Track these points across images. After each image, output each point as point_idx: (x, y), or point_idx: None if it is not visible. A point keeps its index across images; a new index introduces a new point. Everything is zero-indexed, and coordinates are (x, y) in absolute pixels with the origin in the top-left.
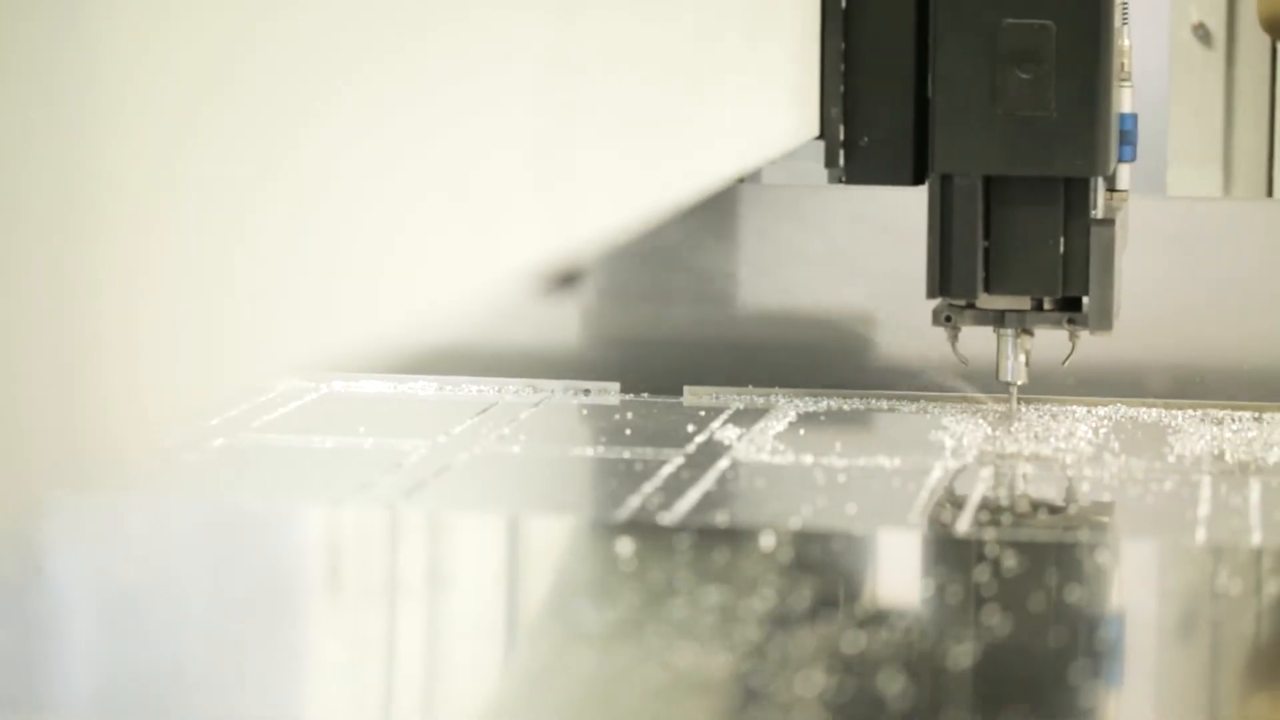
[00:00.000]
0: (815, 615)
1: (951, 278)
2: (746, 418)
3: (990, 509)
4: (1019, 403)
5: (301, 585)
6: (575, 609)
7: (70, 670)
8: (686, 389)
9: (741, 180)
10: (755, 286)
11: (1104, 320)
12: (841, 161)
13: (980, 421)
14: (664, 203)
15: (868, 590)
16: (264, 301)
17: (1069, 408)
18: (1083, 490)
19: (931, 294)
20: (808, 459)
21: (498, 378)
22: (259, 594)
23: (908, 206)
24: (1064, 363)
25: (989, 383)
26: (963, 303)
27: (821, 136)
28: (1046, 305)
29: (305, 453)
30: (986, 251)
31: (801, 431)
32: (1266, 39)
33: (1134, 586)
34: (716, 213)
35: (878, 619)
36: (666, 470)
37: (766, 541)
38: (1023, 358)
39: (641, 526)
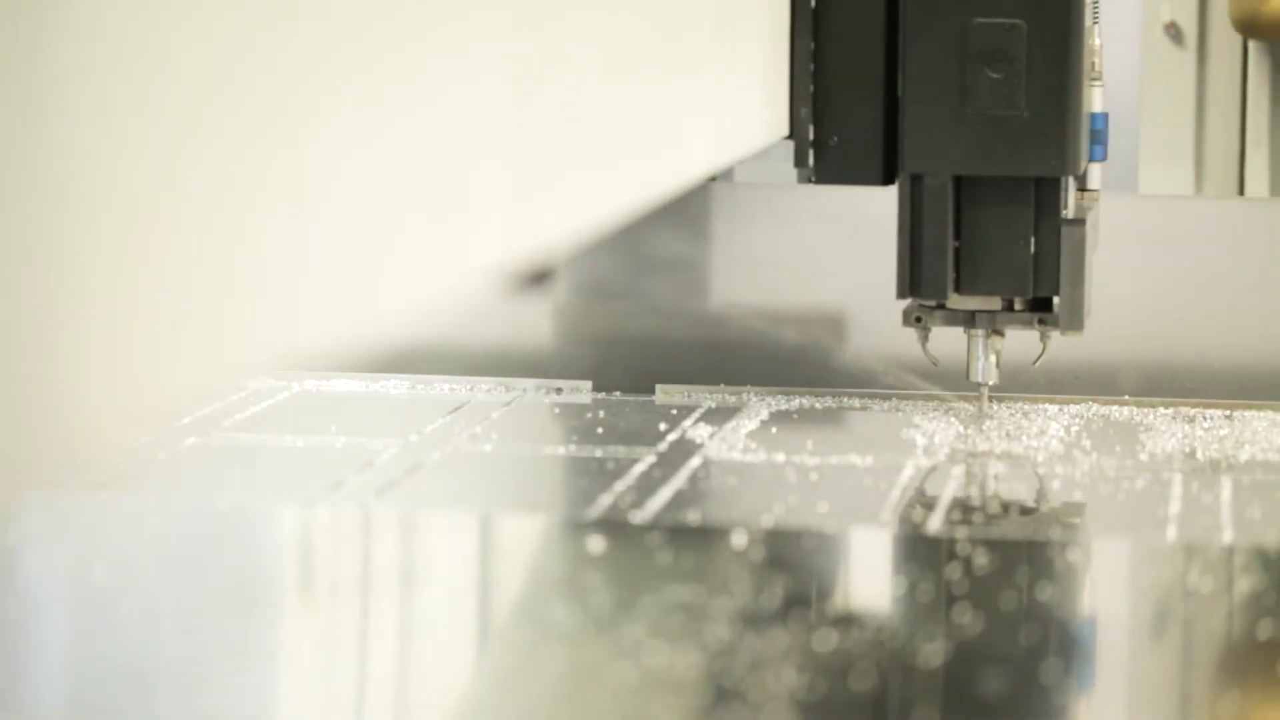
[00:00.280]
0: (787, 614)
1: (921, 278)
2: (718, 416)
3: (962, 507)
4: (990, 402)
5: (273, 584)
6: (547, 607)
7: (42, 670)
8: (659, 387)
9: (714, 179)
10: (727, 285)
11: (1075, 321)
12: (811, 161)
13: (952, 420)
14: (635, 201)
15: (839, 589)
16: (236, 301)
17: (1041, 406)
18: (1054, 488)
19: (901, 294)
20: (780, 457)
21: (470, 376)
22: (231, 593)
23: (880, 205)
24: (1035, 363)
25: (961, 382)
26: (933, 303)
27: (791, 136)
28: (1017, 306)
29: (277, 452)
30: (957, 252)
31: (773, 430)
32: (1238, 37)
33: (1105, 585)
34: (689, 211)
35: (849, 617)
36: (638, 469)
37: (738, 540)
38: (993, 358)
39: (613, 525)
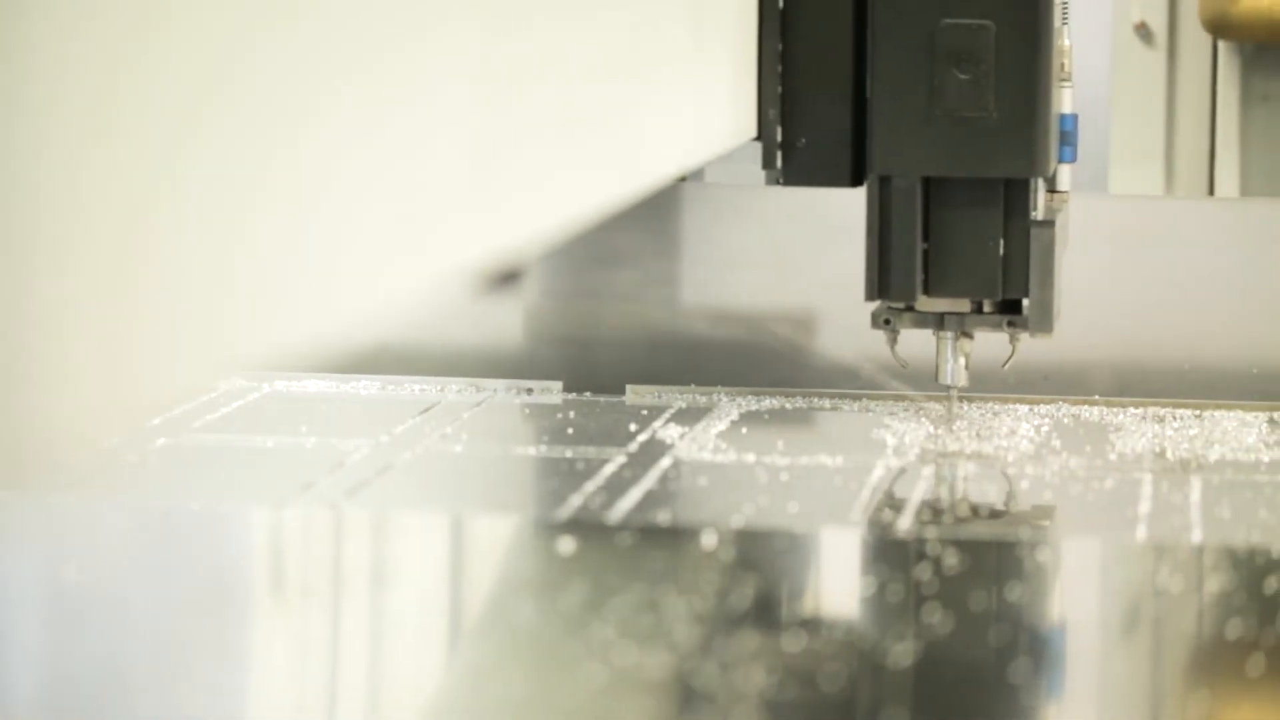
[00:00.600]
0: (757, 614)
1: (890, 280)
2: (689, 416)
3: (931, 508)
4: (960, 402)
5: (244, 585)
6: (517, 608)
7: (10, 672)
8: (629, 388)
9: (684, 179)
10: (698, 285)
11: (1044, 323)
12: (779, 163)
13: (923, 420)
14: (604, 202)
15: (809, 589)
16: (205, 301)
17: (1011, 406)
18: (1024, 488)
19: (870, 296)
20: (750, 457)
21: (440, 377)
22: (201, 594)
23: (851, 205)
24: (1004, 366)
25: (932, 382)
26: (902, 305)
27: (759, 138)
28: (986, 308)
29: (247, 452)
30: (925, 253)
31: (744, 430)
32: (1208, 37)
33: (1075, 584)
34: (659, 212)
35: (819, 618)
36: (609, 469)
37: (708, 540)
38: (962, 360)
39: (583, 525)
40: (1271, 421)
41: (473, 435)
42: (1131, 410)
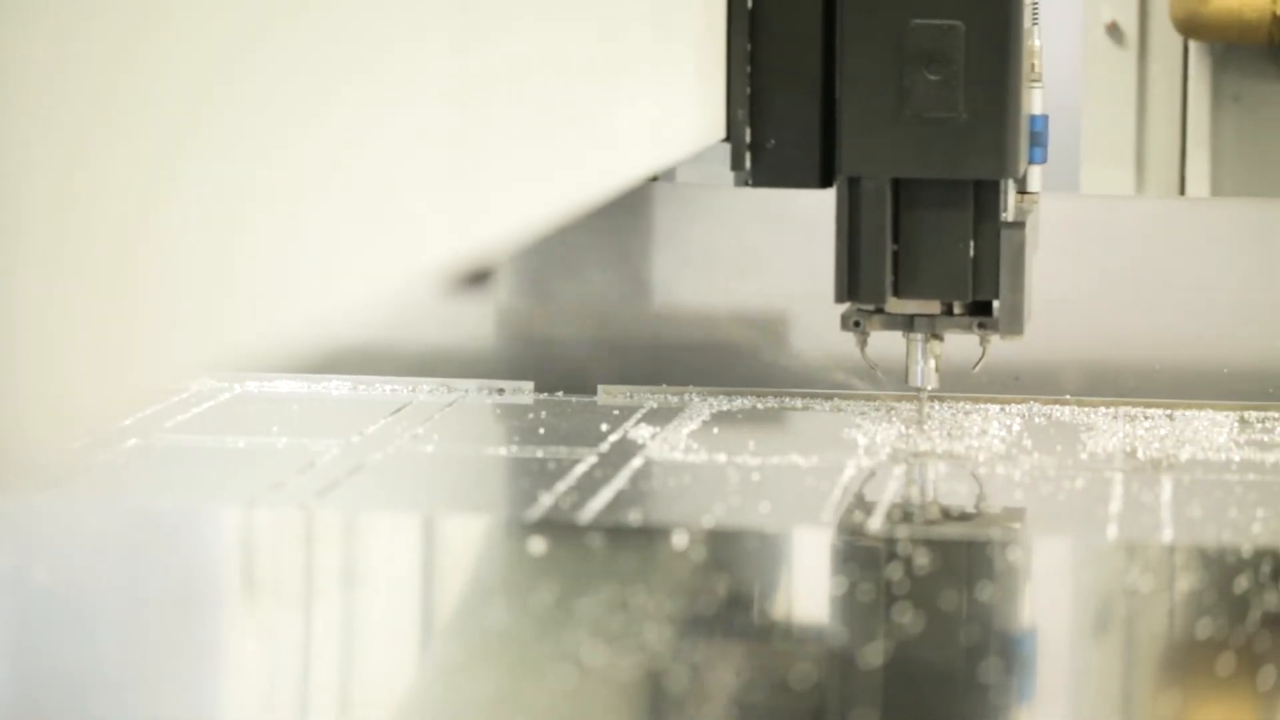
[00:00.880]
0: (727, 614)
1: (860, 282)
2: (660, 416)
3: (903, 507)
4: (931, 401)
5: (214, 585)
6: (488, 608)
7: None
8: (600, 388)
9: (655, 179)
10: (669, 285)
11: (1014, 324)
12: (748, 164)
13: (894, 419)
14: (573, 203)
15: (780, 589)
16: (176, 301)
17: (982, 406)
18: (995, 488)
19: (840, 298)
20: (721, 457)
21: (411, 377)
22: (171, 594)
23: (822, 206)
24: (975, 368)
25: (903, 383)
26: (871, 307)
27: (728, 138)
28: (956, 309)
29: (218, 453)
30: (895, 255)
31: (715, 430)
32: (1179, 38)
33: (1046, 584)
34: (630, 211)
35: (790, 617)
36: (580, 469)
37: (679, 540)
38: (932, 363)
39: (555, 525)
40: (1242, 421)
41: (444, 436)
42: (1102, 410)
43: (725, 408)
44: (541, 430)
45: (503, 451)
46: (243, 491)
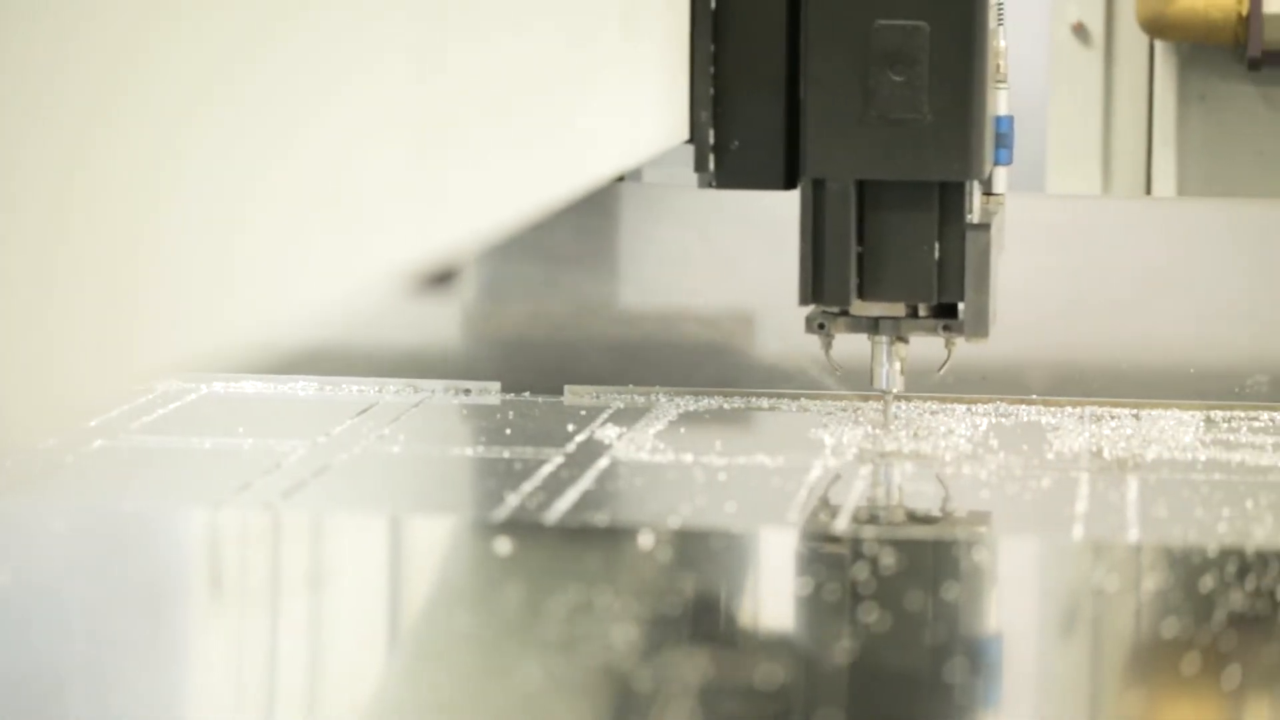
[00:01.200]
0: (694, 614)
1: (824, 284)
2: (627, 417)
3: (869, 507)
4: (897, 401)
5: (180, 586)
6: (454, 608)
7: None
8: (567, 388)
9: (621, 179)
10: (636, 286)
11: (979, 327)
12: (711, 166)
13: (861, 420)
14: (538, 204)
15: (746, 588)
16: (141, 302)
17: (949, 406)
18: (961, 488)
19: (804, 301)
20: (688, 458)
21: (378, 378)
22: (138, 595)
23: (791, 206)
24: (940, 371)
25: (869, 384)
26: (836, 309)
27: (692, 140)
28: (922, 312)
29: (184, 454)
30: (860, 257)
31: (682, 430)
32: (1145, 38)
33: (1012, 583)
34: (597, 212)
35: (756, 617)
36: (546, 469)
37: (645, 540)
38: (898, 365)
39: (520, 526)
40: (1208, 420)
41: (410, 436)
42: (1069, 409)
43: (692, 408)
44: (508, 431)
45: (469, 452)
46: (209, 492)
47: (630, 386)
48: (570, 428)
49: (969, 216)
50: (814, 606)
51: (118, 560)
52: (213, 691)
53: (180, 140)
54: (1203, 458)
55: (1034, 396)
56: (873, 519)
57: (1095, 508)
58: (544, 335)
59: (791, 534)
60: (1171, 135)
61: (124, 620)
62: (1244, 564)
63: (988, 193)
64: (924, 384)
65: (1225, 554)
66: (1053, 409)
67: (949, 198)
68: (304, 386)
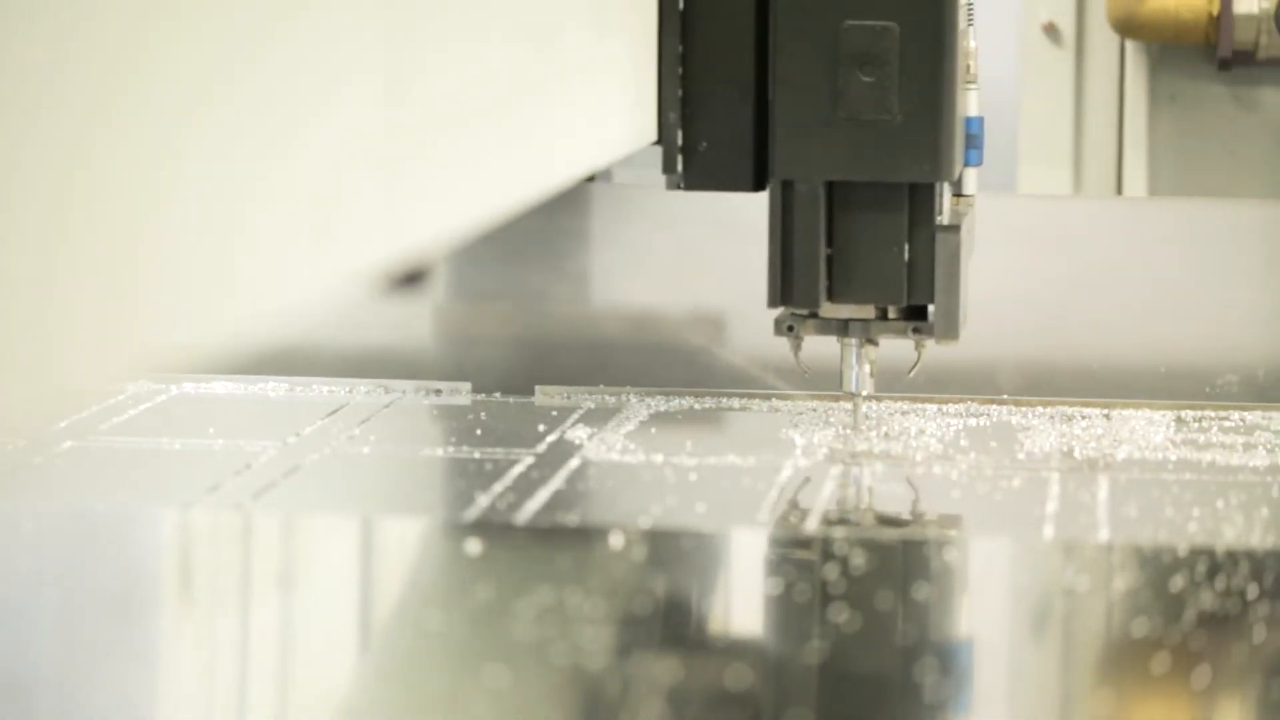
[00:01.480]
0: (664, 614)
1: (793, 286)
2: (598, 417)
3: (839, 508)
4: (868, 401)
5: (150, 587)
6: (424, 608)
7: None
8: (538, 389)
9: (592, 179)
10: (607, 286)
11: (949, 329)
12: (679, 167)
13: (831, 420)
14: (507, 204)
15: (717, 588)
16: (111, 302)
17: (920, 406)
18: (932, 488)
19: (773, 303)
20: (658, 458)
21: (348, 378)
22: (107, 596)
23: (762, 206)
24: (910, 373)
25: (839, 387)
26: (805, 312)
27: (660, 141)
28: (891, 314)
29: (154, 455)
30: (829, 259)
31: (653, 430)
32: (1116, 38)
33: (983, 583)
34: (568, 212)
35: (727, 617)
36: (517, 470)
37: (616, 540)
38: (867, 367)
39: (491, 526)
40: (1179, 420)
41: (381, 436)
42: (1039, 409)
43: (663, 408)
44: (479, 431)
45: (440, 452)
46: (179, 493)
47: (601, 387)
48: (541, 428)
49: (939, 218)
50: (785, 607)
51: (87, 561)
52: (183, 692)
53: (152, 143)
54: (1173, 457)
55: (1005, 396)
56: (843, 519)
57: (1066, 507)
58: (515, 336)
59: (762, 534)
60: (1142, 135)
61: (94, 621)
62: (1214, 564)
63: (958, 194)
64: (894, 384)
65: (1195, 554)
66: (1024, 409)
67: (919, 199)
68: (274, 387)
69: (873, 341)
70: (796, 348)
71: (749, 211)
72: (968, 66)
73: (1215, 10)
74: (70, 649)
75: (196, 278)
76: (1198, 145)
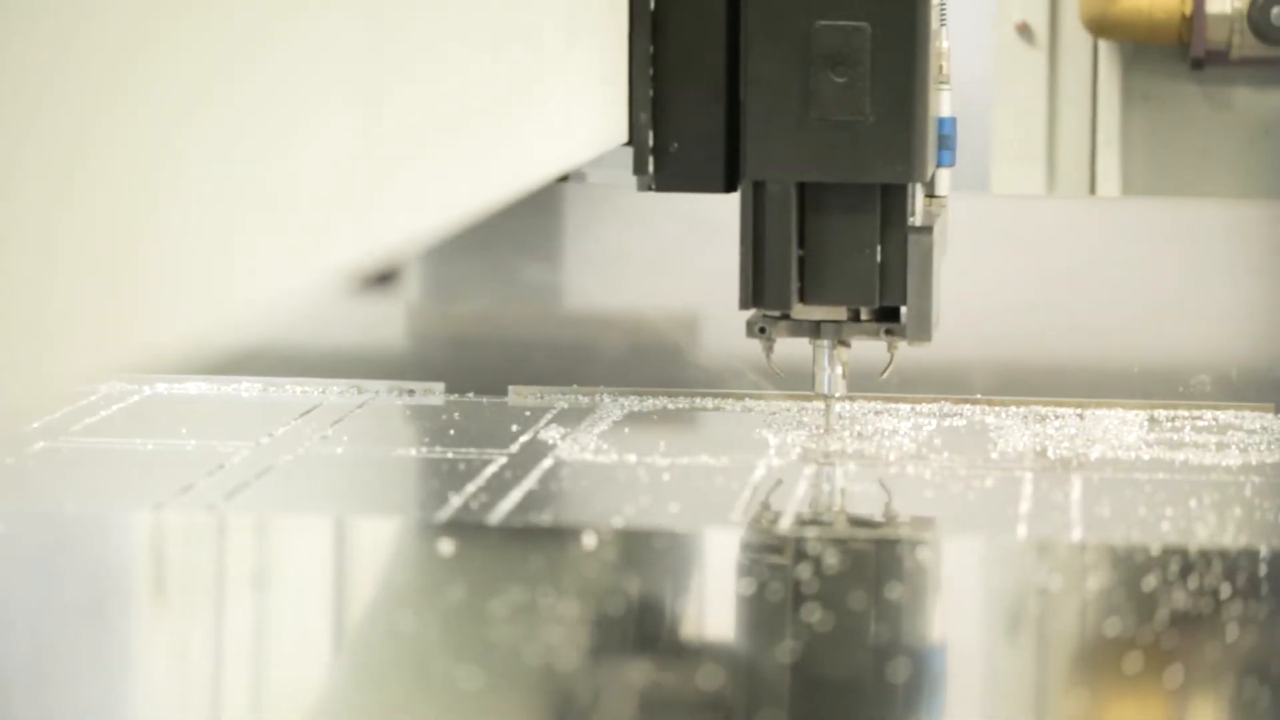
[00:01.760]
0: (638, 614)
1: (765, 288)
2: (571, 417)
3: (813, 508)
4: (841, 401)
5: (123, 588)
6: (398, 609)
7: None
8: (511, 389)
9: (565, 179)
10: (581, 286)
11: (922, 330)
12: (651, 168)
13: (805, 420)
14: (479, 204)
15: (690, 589)
16: (83, 302)
17: (893, 405)
18: (905, 488)
19: (745, 305)
20: (632, 458)
21: (321, 378)
22: (80, 598)
23: (735, 206)
24: (882, 375)
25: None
26: (777, 313)
27: (631, 142)
28: (864, 315)
29: (127, 455)
30: (801, 261)
31: (626, 430)
32: (1089, 37)
33: (956, 583)
34: (541, 212)
35: (700, 617)
36: (490, 470)
37: (589, 541)
38: (839, 369)
39: (463, 526)
40: (1152, 420)
41: (354, 437)
42: (1013, 409)
43: (637, 408)
44: (452, 431)
45: (413, 453)
46: (152, 494)
47: (574, 387)
48: (514, 428)
49: (911, 219)
50: (758, 607)
51: (60, 562)
52: (156, 693)
53: (119, 139)
54: (1146, 457)
55: (978, 396)
56: (816, 519)
57: (1039, 507)
58: (488, 336)
59: (735, 534)
60: (1115, 135)
61: (66, 622)
62: (1187, 563)
63: (930, 195)
64: (868, 384)
65: (1168, 553)
66: (997, 409)
67: (891, 200)
68: (247, 387)
69: (845, 343)
70: (768, 350)
71: (723, 211)
72: (940, 67)
73: (1188, 10)
74: (42, 650)
75: (169, 277)
76: (1171, 145)
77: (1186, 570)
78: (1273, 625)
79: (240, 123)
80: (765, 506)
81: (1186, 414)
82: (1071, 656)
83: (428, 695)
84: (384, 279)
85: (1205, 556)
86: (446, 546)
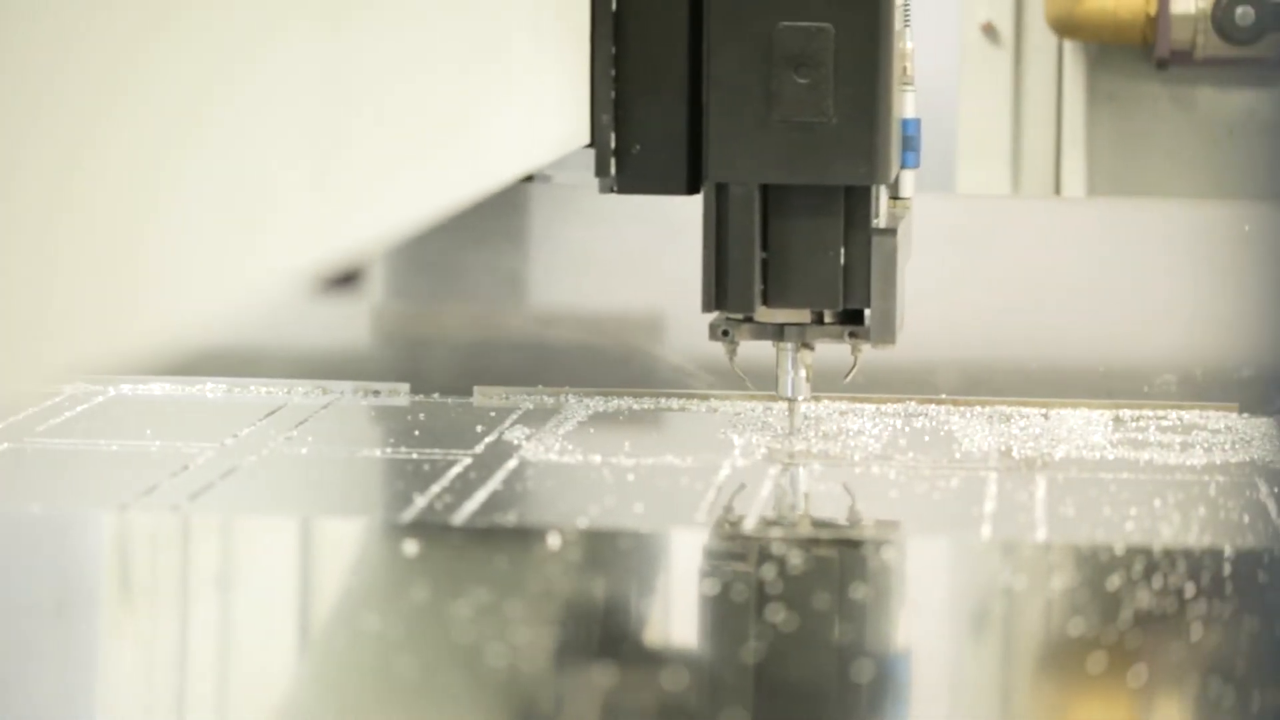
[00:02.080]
0: (602, 614)
1: (728, 290)
2: (536, 418)
3: (777, 508)
4: (806, 402)
5: (87, 590)
6: (362, 610)
7: None
8: (476, 389)
9: (530, 179)
10: (546, 286)
11: (886, 333)
12: (613, 170)
13: (770, 421)
14: (442, 204)
15: (654, 589)
16: (46, 303)
17: (858, 405)
18: (870, 488)
19: (707, 307)
20: (596, 458)
21: (286, 379)
22: (45, 600)
23: (699, 207)
24: (846, 378)
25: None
26: (740, 316)
27: (593, 144)
28: (827, 318)
29: (91, 456)
30: (764, 263)
31: (591, 431)
32: (1054, 38)
33: (920, 583)
34: (506, 212)
35: (664, 618)
36: (454, 471)
37: (553, 541)
38: (803, 372)
39: (428, 527)
40: (1117, 420)
41: (319, 438)
42: (977, 409)
43: (602, 409)
44: (417, 432)
45: (378, 453)
46: (116, 495)
47: (540, 388)
48: (479, 429)
49: (875, 221)
50: (722, 607)
51: (23, 564)
52: (121, 693)
53: (87, 140)
54: (1111, 457)
55: (943, 396)
56: (780, 520)
57: (1004, 507)
58: (453, 336)
59: (700, 534)
60: (1081, 135)
61: (30, 624)
62: (1151, 562)
63: (894, 197)
64: (833, 384)
65: (1132, 552)
66: (962, 409)
67: (854, 202)
68: (212, 388)
69: (808, 346)
70: (732, 353)
71: (687, 212)
72: (904, 68)
73: (1153, 10)
74: (6, 651)
75: (131, 278)
76: (1136, 145)
77: (1151, 570)
78: (1236, 625)
79: (204, 123)
80: (729, 507)
81: (1151, 414)
82: (1036, 656)
83: (391, 695)
84: (347, 279)
85: (1169, 556)
86: (411, 547)
